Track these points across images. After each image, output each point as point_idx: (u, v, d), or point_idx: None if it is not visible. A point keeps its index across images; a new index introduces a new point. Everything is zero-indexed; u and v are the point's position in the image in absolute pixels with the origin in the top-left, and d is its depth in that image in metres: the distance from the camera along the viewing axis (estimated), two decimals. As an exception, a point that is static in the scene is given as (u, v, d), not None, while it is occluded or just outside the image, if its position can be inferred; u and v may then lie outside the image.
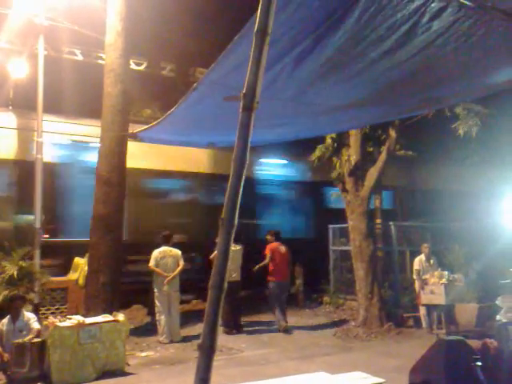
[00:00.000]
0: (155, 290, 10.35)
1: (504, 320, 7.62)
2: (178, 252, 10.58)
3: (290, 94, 4.57)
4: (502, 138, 14.08)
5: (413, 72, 4.19)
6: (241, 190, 2.44)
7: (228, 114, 3.47)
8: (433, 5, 3.17)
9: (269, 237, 11.70)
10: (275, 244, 11.54)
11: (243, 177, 2.45)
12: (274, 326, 11.39)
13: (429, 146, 15.59)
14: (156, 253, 10.42)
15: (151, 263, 10.32)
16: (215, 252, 8.88)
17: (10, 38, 13.49)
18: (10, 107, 13.10)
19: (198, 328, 10.52)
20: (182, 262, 10.51)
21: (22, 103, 12.62)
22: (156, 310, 10.33)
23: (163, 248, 10.50)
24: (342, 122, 6.39)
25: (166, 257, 10.41)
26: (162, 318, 10.19)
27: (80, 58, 15.60)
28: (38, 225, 10.83)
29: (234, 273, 10.85)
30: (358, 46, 3.69)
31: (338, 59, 3.91)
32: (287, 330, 11.06)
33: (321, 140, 12.17)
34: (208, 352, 2.36)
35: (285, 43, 3.54)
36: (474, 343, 5.71)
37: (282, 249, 11.50)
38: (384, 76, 4.24)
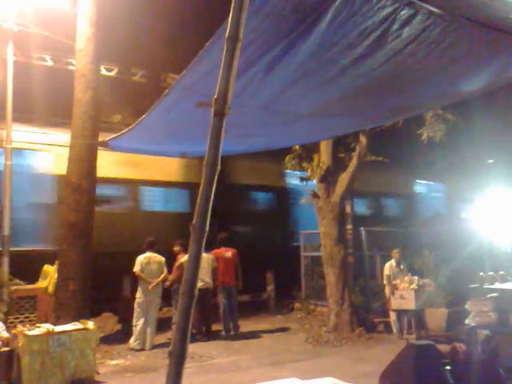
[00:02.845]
0: (138, 296, 10.33)
1: (473, 324, 7.73)
2: (162, 258, 10.64)
3: (261, 101, 4.57)
4: (469, 144, 14.31)
5: (383, 79, 4.21)
6: (212, 196, 2.43)
7: (200, 122, 3.45)
8: (402, 12, 3.20)
9: (218, 243, 11.78)
10: (220, 249, 11.64)
11: (215, 183, 2.44)
12: (246, 333, 11.42)
13: (397, 151, 15.72)
14: (141, 258, 10.42)
15: (136, 268, 10.32)
16: (180, 261, 8.73)
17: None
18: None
19: (169, 335, 10.46)
20: (165, 269, 10.57)
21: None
22: (135, 314, 10.30)
23: (148, 254, 10.52)
24: (313, 132, 6.41)
25: (150, 263, 10.44)
26: (139, 324, 10.20)
27: (50, 63, 15.41)
28: (6, 232, 10.67)
29: (201, 282, 10.80)
30: (329, 53, 3.70)
31: (309, 66, 3.92)
32: (232, 337, 11.17)
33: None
34: (178, 359, 2.34)
35: (255, 50, 3.53)
36: (444, 347, 5.76)
37: (228, 254, 11.61)
38: (354, 83, 4.26)
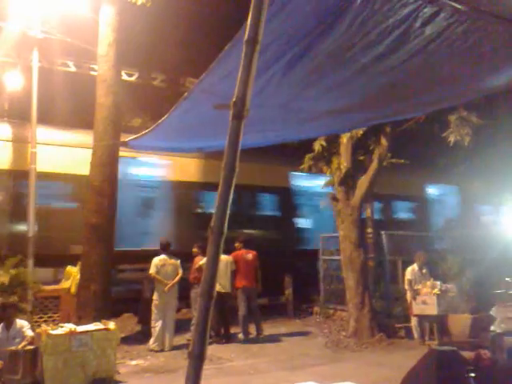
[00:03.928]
0: (154, 297, 10.42)
1: (499, 330, 7.57)
2: (177, 260, 10.68)
3: (280, 101, 4.55)
4: (496, 148, 14.02)
5: (404, 77, 4.16)
6: (230, 197, 2.44)
7: (217, 120, 3.46)
8: (425, 10, 3.13)
9: (237, 244, 11.73)
10: (241, 251, 11.61)
11: (233, 185, 2.44)
12: (265, 337, 11.39)
13: (420, 154, 15.52)
14: (156, 260, 10.51)
15: (152, 270, 10.42)
16: (199, 264, 8.70)
17: (6, 51, 13.57)
18: (6, 118, 13.32)
19: (188, 336, 10.49)
20: (180, 270, 10.61)
21: (17, 114, 12.77)
22: (153, 316, 10.38)
23: (163, 256, 10.60)
24: (330, 126, 6.38)
25: (166, 265, 10.53)
26: (157, 325, 10.27)
27: (73, 69, 15.66)
28: (30, 234, 10.86)
29: (218, 284, 10.79)
30: (349, 52, 3.66)
31: (329, 65, 3.88)
32: (250, 340, 11.12)
33: (309, 148, 12.03)
34: (198, 360, 2.34)
35: (274, 51, 3.51)
36: (467, 354, 5.67)
37: (248, 256, 11.57)
38: (375, 81, 4.20)
